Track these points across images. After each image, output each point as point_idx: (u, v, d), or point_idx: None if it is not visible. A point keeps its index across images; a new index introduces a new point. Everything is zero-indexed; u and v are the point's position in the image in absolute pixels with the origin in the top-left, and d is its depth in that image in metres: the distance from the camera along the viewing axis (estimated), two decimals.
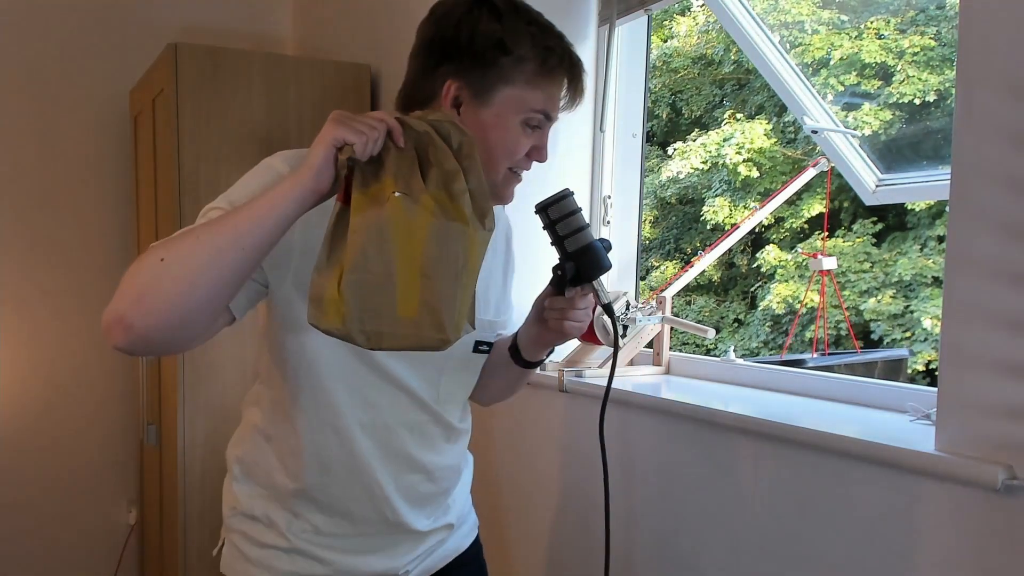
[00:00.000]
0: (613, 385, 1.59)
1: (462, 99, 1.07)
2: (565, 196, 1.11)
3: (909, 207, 7.89)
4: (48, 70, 2.73)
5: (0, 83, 2.68)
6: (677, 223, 9.90)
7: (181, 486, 2.23)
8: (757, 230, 8.47)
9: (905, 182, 1.61)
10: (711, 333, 1.68)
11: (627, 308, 1.71)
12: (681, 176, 8.83)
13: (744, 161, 8.32)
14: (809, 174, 2.02)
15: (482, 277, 1.07)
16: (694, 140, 8.78)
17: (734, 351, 1.69)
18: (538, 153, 1.12)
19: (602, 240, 1.13)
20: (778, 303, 8.06)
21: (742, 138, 8.32)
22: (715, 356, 1.72)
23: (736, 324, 9.24)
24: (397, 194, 0.92)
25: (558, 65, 1.09)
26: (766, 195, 8.04)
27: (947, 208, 1.02)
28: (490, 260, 1.21)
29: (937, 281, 7.60)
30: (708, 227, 8.97)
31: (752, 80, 8.92)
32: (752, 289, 9.26)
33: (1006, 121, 0.95)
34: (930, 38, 6.84)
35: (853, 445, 1.12)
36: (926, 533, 1.04)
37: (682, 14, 9.25)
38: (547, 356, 1.28)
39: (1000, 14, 0.96)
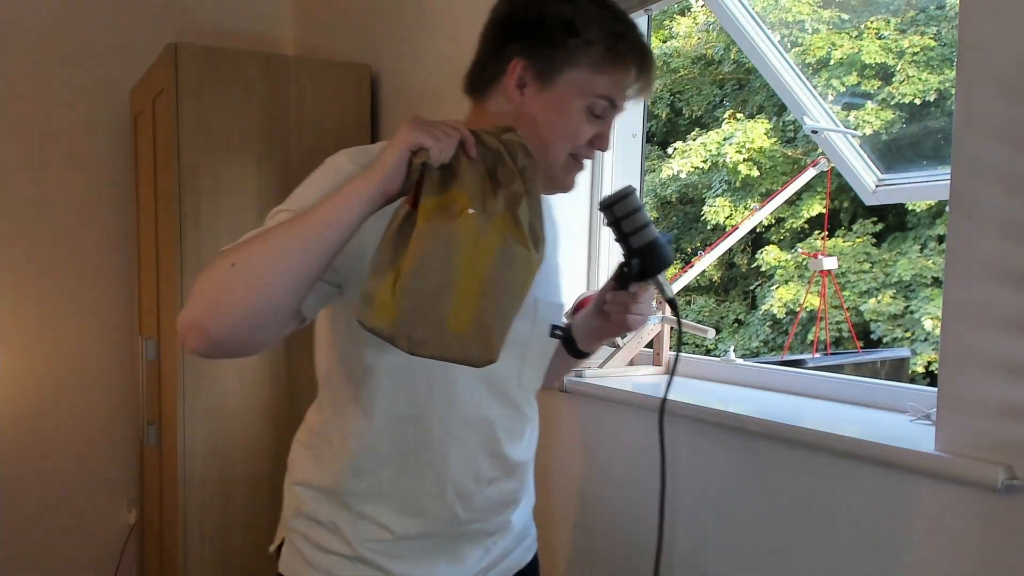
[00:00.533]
0: (614, 385, 1.60)
1: (526, 80, 1.06)
2: (628, 193, 1.13)
3: (909, 207, 7.89)
4: (48, 70, 2.73)
5: (0, 82, 2.68)
6: (678, 223, 9.89)
7: (181, 486, 2.23)
8: (757, 230, 8.47)
9: (905, 182, 1.61)
10: (711, 333, 1.68)
11: None
12: (682, 175, 8.83)
13: (744, 160, 8.32)
14: (809, 174, 2.02)
15: (549, 259, 1.11)
16: (694, 139, 8.77)
17: (734, 351, 1.69)
18: (600, 141, 1.10)
19: (664, 234, 1.15)
20: (779, 307, 8.06)
21: (743, 136, 8.32)
22: (715, 356, 1.72)
23: (736, 324, 9.24)
24: (471, 211, 0.93)
25: (627, 52, 1.07)
26: (767, 195, 8.03)
27: (947, 208, 1.02)
28: (551, 243, 1.21)
29: (937, 281, 7.59)
30: (709, 227, 8.97)
31: (752, 80, 8.92)
32: (752, 289, 9.26)
33: (1006, 121, 0.95)
34: (930, 38, 6.83)
35: (853, 445, 1.12)
36: (926, 533, 1.04)
37: (682, 14, 9.25)
38: (599, 348, 1.31)
39: (1000, 14, 0.96)
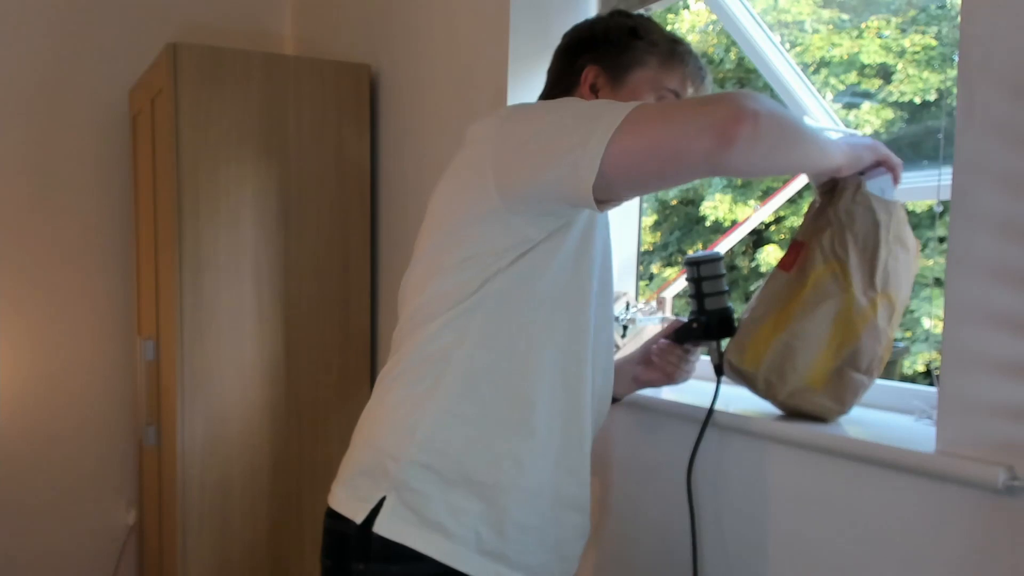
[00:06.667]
0: None
1: (599, 84, 1.18)
2: (718, 259, 1.24)
3: (909, 207, 7.86)
4: (47, 69, 2.73)
5: None
6: (679, 224, 9.88)
7: (180, 486, 2.23)
8: (758, 229, 8.46)
9: (905, 182, 1.60)
10: None
11: (627, 308, 1.71)
12: None
13: None
14: None
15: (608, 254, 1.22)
16: None
17: None
18: None
19: (732, 309, 1.27)
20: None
21: None
22: None
23: (737, 323, 9.23)
24: (859, 293, 1.11)
25: (687, 53, 1.20)
26: (767, 192, 8.01)
27: (947, 208, 1.02)
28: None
29: (937, 281, 7.57)
30: (707, 225, 8.94)
31: (754, 79, 8.90)
32: (752, 290, 9.24)
33: (1007, 121, 0.95)
34: (931, 37, 6.82)
35: (853, 445, 1.11)
36: (926, 534, 1.04)
37: (686, 8, 9.21)
38: (631, 393, 1.41)
39: (1000, 14, 0.95)
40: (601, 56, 1.18)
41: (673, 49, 1.19)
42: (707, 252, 1.24)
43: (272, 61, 2.31)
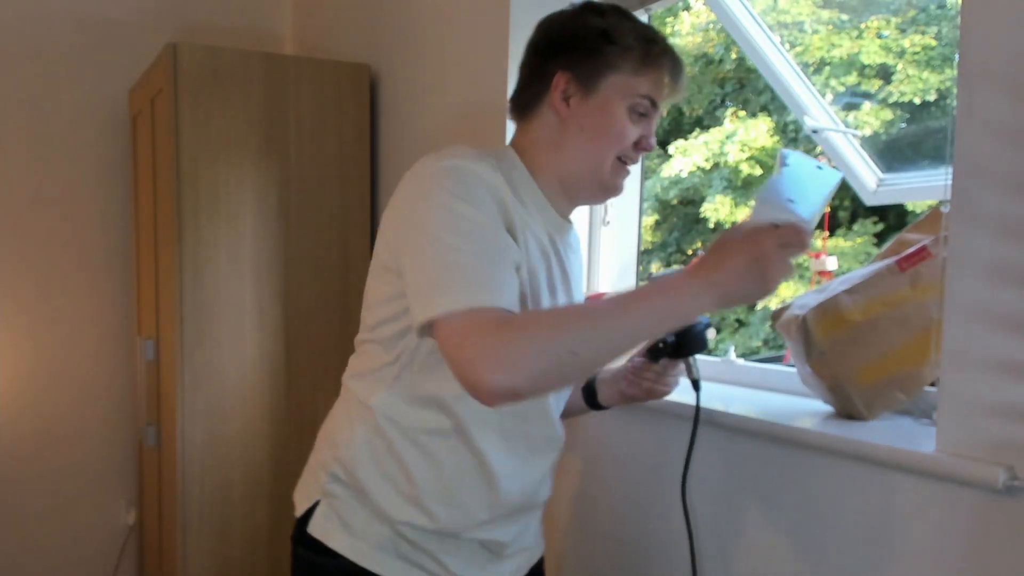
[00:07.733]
0: None
1: (570, 91, 1.13)
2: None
3: (909, 207, 7.87)
4: (47, 70, 2.73)
5: None
6: (679, 224, 9.88)
7: (180, 487, 2.23)
8: None
9: (905, 182, 1.61)
10: (711, 333, 1.67)
11: None
12: (683, 175, 8.81)
13: (747, 159, 8.31)
14: None
15: (577, 273, 1.25)
16: (696, 138, 8.75)
17: (734, 351, 1.69)
18: (645, 142, 1.16)
19: (703, 318, 1.22)
20: (776, 304, 8.04)
21: (745, 135, 8.31)
22: (715, 356, 1.71)
23: (736, 324, 9.23)
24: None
25: (662, 54, 1.15)
26: None
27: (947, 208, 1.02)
28: (576, 272, 1.29)
29: None
30: (710, 226, 8.94)
31: (754, 79, 8.90)
32: None
33: (1007, 120, 0.95)
34: (931, 37, 6.81)
35: (853, 446, 1.11)
36: (926, 534, 1.04)
37: (686, 9, 9.22)
38: (617, 406, 1.38)
39: (1001, 14, 0.95)
40: (572, 62, 1.13)
41: (647, 51, 1.13)
42: (667, 270, 1.24)
43: (272, 61, 2.31)
